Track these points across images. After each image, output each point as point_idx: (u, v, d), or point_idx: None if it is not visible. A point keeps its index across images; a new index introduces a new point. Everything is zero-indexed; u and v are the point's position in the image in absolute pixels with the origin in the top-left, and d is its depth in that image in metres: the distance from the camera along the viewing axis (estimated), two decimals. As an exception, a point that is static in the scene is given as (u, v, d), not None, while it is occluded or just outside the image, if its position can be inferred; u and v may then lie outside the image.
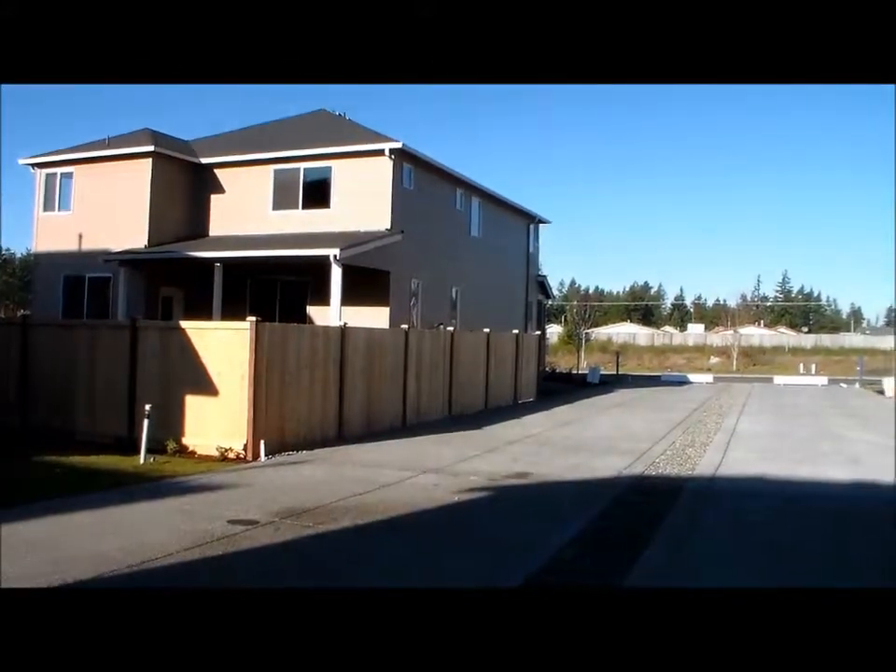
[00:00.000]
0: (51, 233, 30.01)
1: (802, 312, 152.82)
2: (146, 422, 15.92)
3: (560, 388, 40.89)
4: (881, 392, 42.39)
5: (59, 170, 30.10)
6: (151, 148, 28.39)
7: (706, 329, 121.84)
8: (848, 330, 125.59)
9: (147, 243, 28.11)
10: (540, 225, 44.02)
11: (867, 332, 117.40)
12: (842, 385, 52.01)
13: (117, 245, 27.83)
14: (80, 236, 28.97)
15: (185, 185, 29.89)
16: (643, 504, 13.07)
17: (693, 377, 57.58)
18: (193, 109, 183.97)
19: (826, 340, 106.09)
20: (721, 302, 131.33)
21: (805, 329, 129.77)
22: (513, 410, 29.09)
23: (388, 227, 27.01)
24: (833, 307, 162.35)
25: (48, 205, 30.38)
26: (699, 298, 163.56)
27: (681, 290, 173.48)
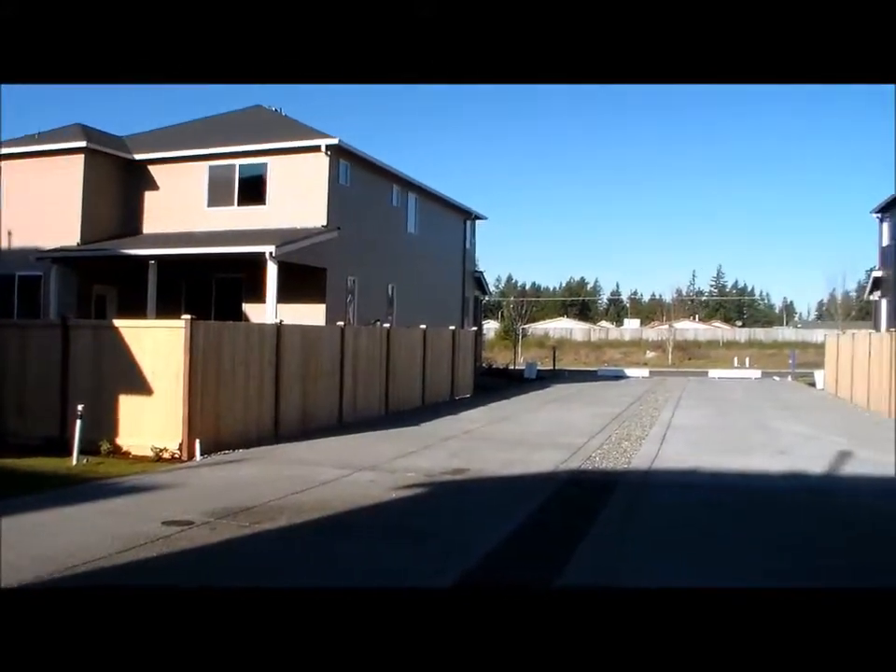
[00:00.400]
0: (-21, 231, 29.45)
1: (736, 306, 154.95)
2: (78, 422, 15.73)
3: (497, 384, 41.02)
4: (813, 385, 43.19)
5: (-13, 166, 29.53)
6: (83, 144, 27.97)
7: (641, 323, 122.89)
8: (781, 324, 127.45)
9: (79, 240, 27.70)
10: (477, 221, 44.16)
11: (799, 326, 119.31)
12: (775, 378, 52.91)
13: (48, 243, 27.38)
14: (10, 234, 28.41)
15: (118, 181, 29.51)
16: (580, 498, 13.24)
17: (629, 371, 58.12)
18: (127, 104, 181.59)
19: (760, 334, 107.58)
20: (657, 297, 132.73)
21: (739, 324, 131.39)
22: (450, 406, 29.17)
23: (324, 224, 26.94)
24: (766, 301, 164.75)
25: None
26: (635, 293, 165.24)
27: (617, 286, 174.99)
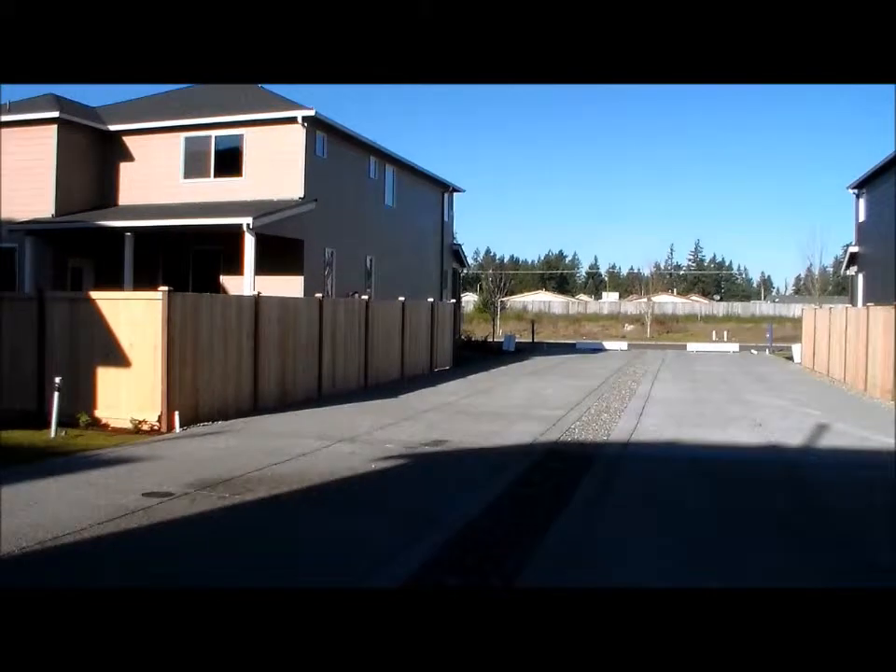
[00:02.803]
0: (-48, 202, 29.08)
1: (714, 280, 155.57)
2: (56, 395, 15.64)
3: (476, 357, 41.12)
4: (790, 358, 43.34)
5: (-42, 137, 29.06)
6: (56, 114, 27.57)
7: (620, 297, 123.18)
8: (759, 299, 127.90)
9: (53, 212, 27.41)
10: (455, 194, 44.03)
11: (776, 301, 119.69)
12: (752, 351, 53.08)
13: (22, 215, 27.03)
14: (-17, 205, 28.12)
15: (92, 153, 29.16)
16: (558, 470, 13.23)
17: (607, 345, 58.25)
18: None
19: (738, 308, 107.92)
20: (635, 271, 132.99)
21: (718, 298, 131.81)
22: (429, 378, 29.22)
23: (302, 196, 26.78)
24: (744, 276, 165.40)
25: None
26: (613, 266, 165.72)
27: (595, 259, 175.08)
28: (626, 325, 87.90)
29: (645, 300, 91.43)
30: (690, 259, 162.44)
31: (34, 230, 26.94)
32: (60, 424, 15.65)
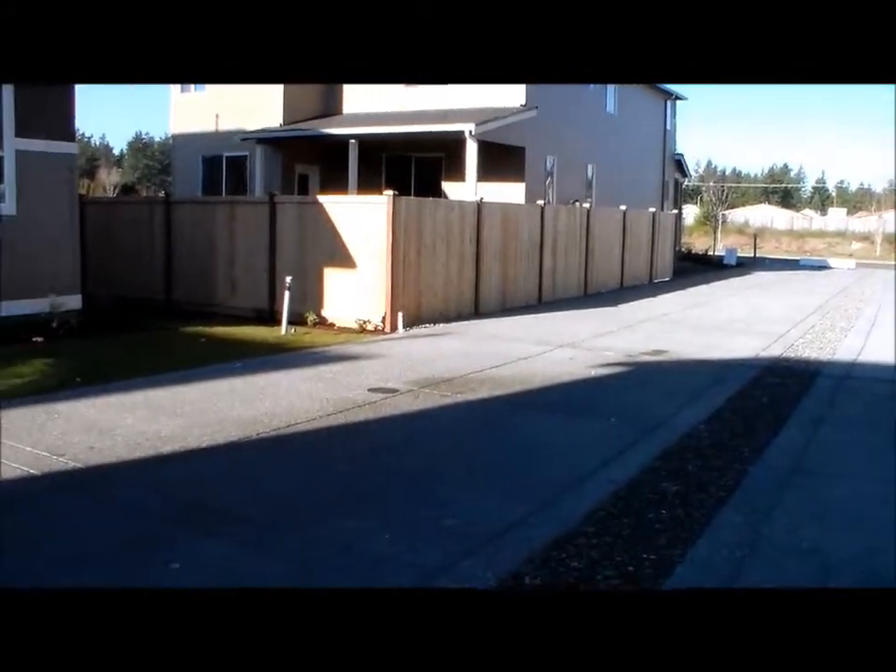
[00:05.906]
0: (188, 114, 30.38)
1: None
2: (286, 294, 16.23)
3: (695, 269, 40.16)
4: None
5: (194, 49, 30.10)
6: (284, 25, 28.18)
7: (848, 213, 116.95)
8: None
9: (281, 121, 28.25)
10: (677, 102, 42.67)
11: None
12: None
13: (252, 125, 28.03)
14: (217, 116, 29.25)
15: (318, 62, 29.72)
16: (780, 386, 12.68)
17: (833, 262, 55.43)
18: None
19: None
20: (866, 187, 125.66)
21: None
22: (649, 289, 28.70)
23: (523, 103, 26.48)
24: None
25: (184, 86, 30.64)
26: (842, 182, 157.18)
27: (823, 173, 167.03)
28: (853, 242, 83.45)
29: (875, 217, 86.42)
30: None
31: (263, 138, 27.87)
32: (289, 322, 16.27)
